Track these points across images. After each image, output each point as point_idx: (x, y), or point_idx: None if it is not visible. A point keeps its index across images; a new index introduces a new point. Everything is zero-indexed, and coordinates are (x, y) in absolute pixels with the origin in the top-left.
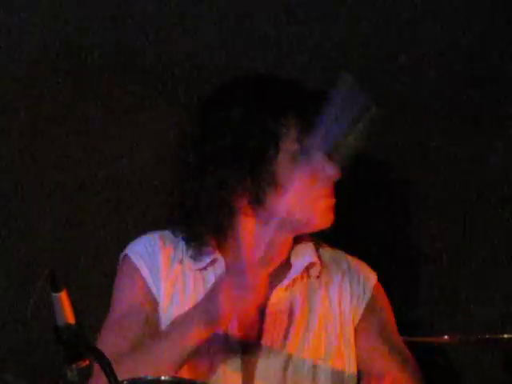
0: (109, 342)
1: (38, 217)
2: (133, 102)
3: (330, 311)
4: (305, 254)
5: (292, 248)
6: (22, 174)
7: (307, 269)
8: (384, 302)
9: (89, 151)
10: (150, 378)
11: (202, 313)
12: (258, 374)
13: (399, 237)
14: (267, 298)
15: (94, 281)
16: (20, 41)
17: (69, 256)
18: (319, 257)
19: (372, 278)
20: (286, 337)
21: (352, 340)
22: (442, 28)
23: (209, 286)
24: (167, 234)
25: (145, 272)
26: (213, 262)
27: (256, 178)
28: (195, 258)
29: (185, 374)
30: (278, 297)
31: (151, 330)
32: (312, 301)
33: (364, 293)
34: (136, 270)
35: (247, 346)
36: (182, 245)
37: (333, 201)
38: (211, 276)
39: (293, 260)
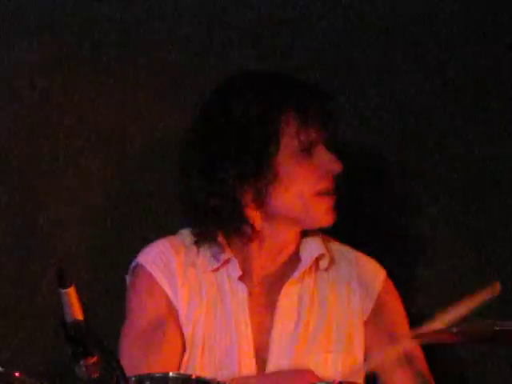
0: (135, 359)
1: (48, 215)
2: (140, 101)
3: (339, 305)
4: (313, 247)
5: (300, 242)
6: (35, 172)
7: (316, 261)
8: (394, 298)
9: (96, 153)
10: (157, 374)
11: None
12: (269, 367)
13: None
14: (278, 290)
15: (103, 279)
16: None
17: (77, 254)
18: (328, 249)
19: (381, 274)
20: (296, 330)
21: (361, 334)
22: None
23: (223, 286)
24: (177, 238)
25: (162, 281)
26: (226, 262)
27: (258, 176)
28: (208, 259)
29: (197, 368)
30: (288, 290)
31: (175, 342)
32: (321, 294)
33: (373, 288)
34: (153, 280)
35: (258, 339)
36: (193, 248)
37: (333, 199)
38: (224, 276)
39: (301, 253)
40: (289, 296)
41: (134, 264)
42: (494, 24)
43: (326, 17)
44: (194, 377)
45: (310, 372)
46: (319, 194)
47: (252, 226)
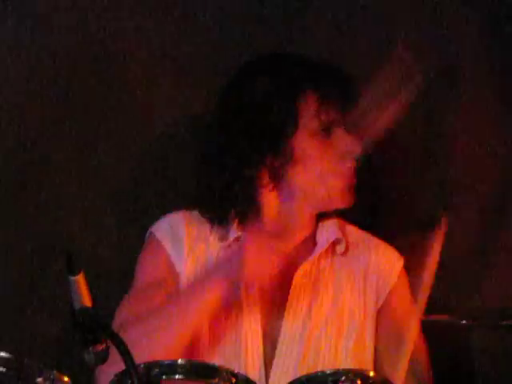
0: (129, 310)
1: (57, 201)
2: (155, 82)
3: (355, 289)
4: (330, 231)
5: (317, 225)
6: (42, 159)
7: (333, 245)
8: (406, 291)
9: (108, 134)
10: (166, 362)
11: (223, 264)
12: (280, 347)
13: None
14: (292, 273)
15: (113, 267)
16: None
17: (86, 242)
18: (345, 234)
19: (399, 262)
20: (309, 311)
21: (374, 320)
22: None
23: None
24: (194, 213)
25: (168, 247)
26: (237, 239)
27: (276, 155)
28: (220, 236)
29: (205, 344)
30: (303, 271)
31: None
32: (337, 277)
33: (389, 279)
34: (159, 244)
35: (270, 319)
36: (206, 224)
37: (352, 181)
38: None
39: (318, 236)
40: (303, 278)
41: (147, 233)
42: None
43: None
44: (202, 363)
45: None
46: (337, 174)
47: (268, 207)
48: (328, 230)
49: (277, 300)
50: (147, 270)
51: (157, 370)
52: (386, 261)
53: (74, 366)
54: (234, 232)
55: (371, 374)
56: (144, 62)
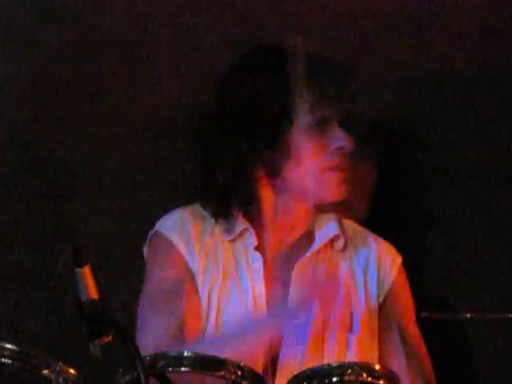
0: (160, 323)
1: (64, 195)
2: (152, 76)
3: (355, 284)
4: (329, 227)
5: (315, 220)
6: (46, 154)
7: (332, 241)
8: (405, 288)
9: (110, 132)
10: (172, 354)
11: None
12: (284, 344)
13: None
14: (291, 268)
15: (118, 260)
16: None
17: (93, 236)
18: (344, 230)
19: (398, 259)
20: (311, 307)
21: (377, 314)
22: None
23: (240, 256)
24: (197, 207)
25: (179, 245)
26: (242, 232)
27: (271, 150)
28: (225, 229)
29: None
30: (302, 268)
31: (195, 304)
32: (335, 273)
33: (389, 276)
34: (170, 243)
35: (273, 312)
36: (211, 218)
37: (344, 174)
38: (241, 246)
39: (317, 232)
40: (302, 273)
41: (151, 232)
42: None
43: None
44: (208, 356)
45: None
46: (330, 168)
47: (264, 201)
48: (327, 225)
49: (279, 293)
50: (164, 273)
51: (163, 361)
52: (386, 256)
53: (80, 358)
54: (240, 224)
55: (377, 367)
56: (144, 60)
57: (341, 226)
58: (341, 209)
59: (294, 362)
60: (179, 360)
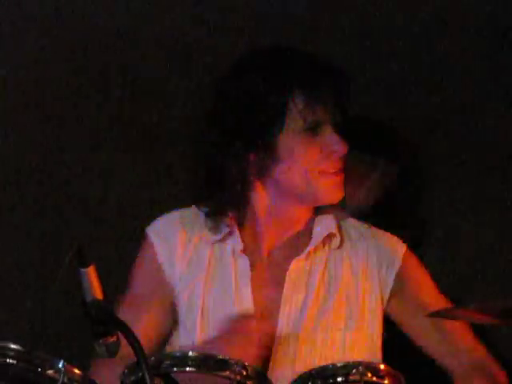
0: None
1: (65, 194)
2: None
3: (353, 282)
4: (325, 225)
5: (313, 219)
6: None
7: (329, 239)
8: (417, 271)
9: (110, 134)
10: (177, 354)
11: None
12: (276, 342)
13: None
14: (287, 267)
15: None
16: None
17: (94, 235)
18: (340, 228)
19: (400, 248)
20: (304, 305)
21: (379, 312)
22: None
23: (225, 259)
24: (189, 210)
25: (161, 253)
26: (228, 234)
27: (261, 153)
28: (213, 230)
29: (196, 338)
30: (298, 266)
31: (156, 319)
32: (334, 272)
33: (393, 263)
34: (152, 249)
35: (265, 313)
36: (201, 219)
37: (340, 177)
38: (227, 249)
39: (314, 231)
40: (297, 272)
41: (144, 233)
42: None
43: None
44: (213, 356)
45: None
46: (323, 173)
47: (257, 202)
48: (324, 224)
49: (272, 293)
50: (139, 278)
51: (168, 362)
52: (386, 248)
53: (85, 358)
54: (227, 227)
55: (382, 366)
56: (148, 60)
57: (338, 223)
58: (339, 208)
59: (285, 361)
60: (184, 360)
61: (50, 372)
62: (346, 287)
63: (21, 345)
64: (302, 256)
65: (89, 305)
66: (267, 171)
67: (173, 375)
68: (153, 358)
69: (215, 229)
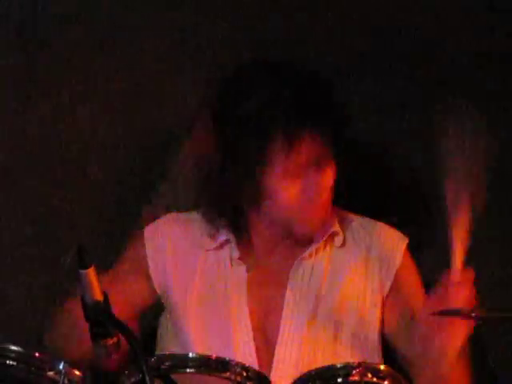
0: None
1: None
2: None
3: (356, 279)
4: (327, 224)
5: None
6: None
7: (332, 238)
8: (412, 272)
9: (110, 134)
10: (178, 355)
11: None
12: (280, 339)
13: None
14: (289, 268)
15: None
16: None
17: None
18: (343, 226)
19: (402, 242)
20: (307, 306)
21: (378, 308)
22: None
23: (222, 266)
24: (187, 214)
25: (150, 258)
26: (225, 242)
27: (246, 188)
28: (210, 236)
29: (192, 341)
30: (300, 267)
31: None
32: (336, 269)
33: (395, 258)
34: (144, 254)
35: (268, 317)
36: (198, 225)
37: (322, 215)
38: (224, 256)
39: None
40: (300, 272)
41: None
42: None
43: None
44: (213, 357)
45: None
46: (307, 211)
47: (254, 223)
48: (326, 224)
49: (275, 296)
50: (124, 263)
51: (168, 363)
52: (388, 243)
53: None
54: (223, 235)
55: (382, 367)
56: (148, 60)
57: (340, 221)
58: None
59: (288, 362)
60: (184, 361)
61: (50, 373)
62: (348, 286)
63: (21, 346)
64: (305, 255)
65: (89, 307)
66: (256, 204)
67: (173, 376)
68: (153, 359)
69: (212, 237)
